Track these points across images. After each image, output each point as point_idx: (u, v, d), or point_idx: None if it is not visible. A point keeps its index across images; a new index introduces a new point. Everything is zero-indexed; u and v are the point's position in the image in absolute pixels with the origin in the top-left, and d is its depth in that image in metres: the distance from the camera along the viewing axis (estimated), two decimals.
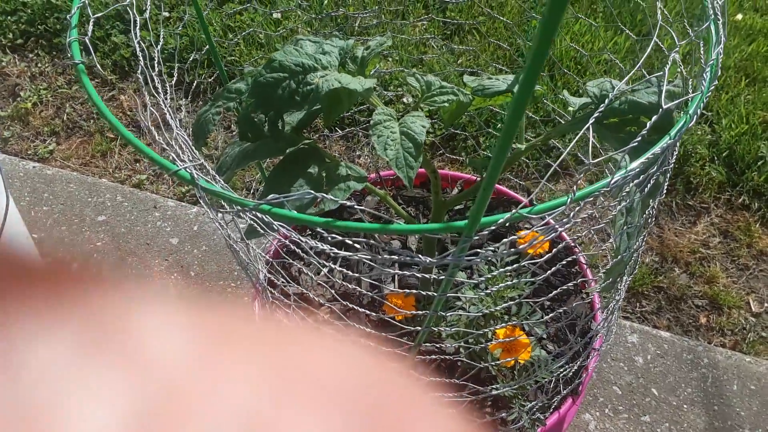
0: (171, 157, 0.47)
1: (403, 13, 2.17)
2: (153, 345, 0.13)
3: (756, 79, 1.90)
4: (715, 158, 1.74)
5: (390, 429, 0.14)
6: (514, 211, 0.41)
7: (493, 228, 0.41)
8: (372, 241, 0.98)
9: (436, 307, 0.52)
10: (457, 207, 1.17)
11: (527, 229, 0.98)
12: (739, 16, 2.05)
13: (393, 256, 0.42)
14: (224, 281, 1.55)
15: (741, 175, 1.72)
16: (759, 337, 1.46)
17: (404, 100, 1.84)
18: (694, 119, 0.47)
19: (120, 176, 1.82)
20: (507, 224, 0.45)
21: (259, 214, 0.52)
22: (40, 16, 2.13)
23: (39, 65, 2.04)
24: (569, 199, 0.41)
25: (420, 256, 0.41)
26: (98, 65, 1.95)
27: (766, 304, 1.52)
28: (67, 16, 0.56)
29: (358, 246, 0.44)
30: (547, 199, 1.59)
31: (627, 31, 0.82)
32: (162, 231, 1.66)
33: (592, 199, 0.42)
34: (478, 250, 0.42)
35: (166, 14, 2.09)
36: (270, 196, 0.43)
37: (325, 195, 0.51)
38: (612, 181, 0.42)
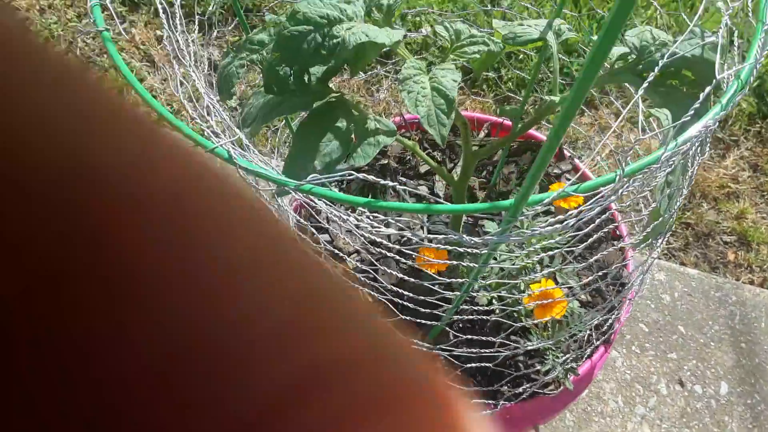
0: (206, 134, 0.46)
1: None
2: None
3: None
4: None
5: None
6: (560, 189, 0.39)
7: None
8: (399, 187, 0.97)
9: (476, 276, 0.52)
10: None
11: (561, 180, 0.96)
12: None
13: (438, 235, 0.41)
14: None
15: None
16: None
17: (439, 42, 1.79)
18: (747, 88, 0.44)
19: None
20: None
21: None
22: None
23: None
24: (618, 176, 0.40)
25: (465, 236, 0.40)
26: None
27: None
28: None
29: (390, 220, 0.43)
30: (583, 148, 1.54)
31: None
32: None
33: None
34: (524, 231, 0.41)
35: None
36: (311, 177, 0.42)
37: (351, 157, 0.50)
38: (663, 156, 0.40)
